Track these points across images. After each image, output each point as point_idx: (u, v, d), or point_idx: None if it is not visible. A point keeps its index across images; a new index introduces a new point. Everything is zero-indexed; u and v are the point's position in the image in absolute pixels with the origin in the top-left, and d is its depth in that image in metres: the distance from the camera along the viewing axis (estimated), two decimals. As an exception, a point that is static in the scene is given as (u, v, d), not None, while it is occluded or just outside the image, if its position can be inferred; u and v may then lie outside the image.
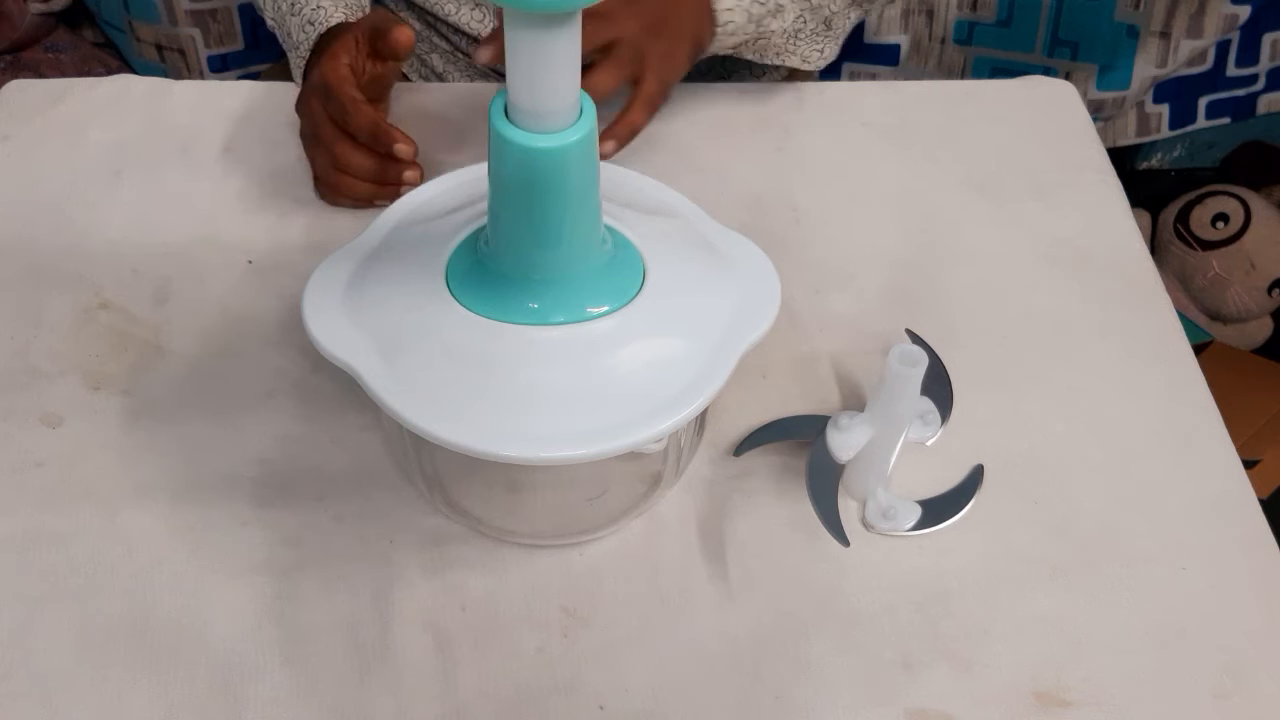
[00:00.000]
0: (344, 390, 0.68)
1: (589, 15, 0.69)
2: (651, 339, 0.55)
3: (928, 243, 0.80)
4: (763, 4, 0.82)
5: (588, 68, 0.73)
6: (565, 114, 0.49)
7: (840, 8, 0.89)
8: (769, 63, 0.89)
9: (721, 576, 0.62)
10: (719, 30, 0.81)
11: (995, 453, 0.67)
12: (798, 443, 0.67)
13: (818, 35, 0.89)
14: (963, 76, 1.48)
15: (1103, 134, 1.50)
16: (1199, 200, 1.58)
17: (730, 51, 0.84)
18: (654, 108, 0.78)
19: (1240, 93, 1.55)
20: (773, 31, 0.85)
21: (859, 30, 1.45)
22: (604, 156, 0.76)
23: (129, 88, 0.89)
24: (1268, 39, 1.50)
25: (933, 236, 0.80)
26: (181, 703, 0.56)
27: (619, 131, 0.76)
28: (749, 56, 0.87)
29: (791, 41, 0.87)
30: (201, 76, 1.46)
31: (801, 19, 0.86)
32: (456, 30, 0.97)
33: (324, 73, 0.76)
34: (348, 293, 0.57)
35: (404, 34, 0.75)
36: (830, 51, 0.91)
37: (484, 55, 0.72)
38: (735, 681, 0.58)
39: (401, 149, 0.74)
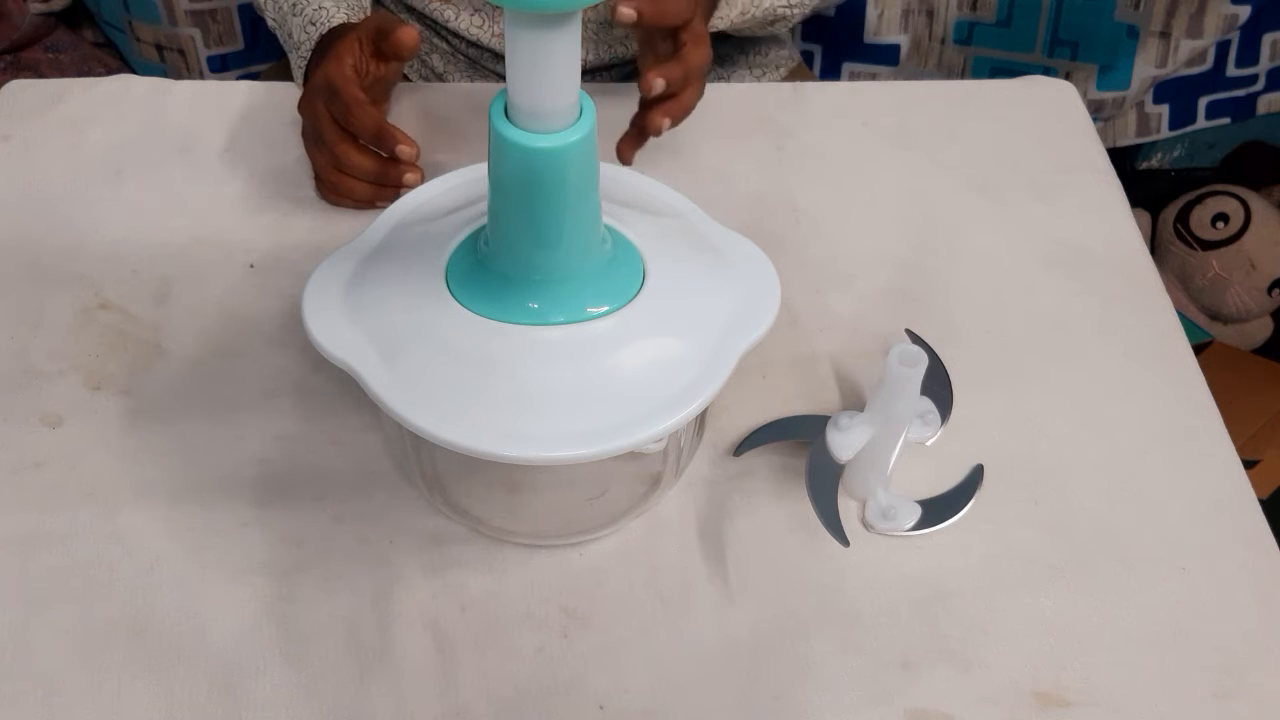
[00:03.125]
0: (344, 390, 0.68)
1: None
2: (651, 339, 0.55)
3: (928, 243, 0.80)
4: (744, 14, 0.85)
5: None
6: (565, 114, 0.49)
7: (790, 16, 0.90)
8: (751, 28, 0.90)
9: (721, 576, 0.62)
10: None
11: (995, 453, 0.67)
12: (798, 443, 0.67)
13: (760, 27, 0.91)
14: (963, 76, 1.48)
15: (1103, 134, 1.50)
16: (1199, 200, 1.58)
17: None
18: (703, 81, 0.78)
19: (1240, 93, 1.55)
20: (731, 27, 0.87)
21: (859, 30, 1.45)
22: (657, 133, 0.75)
23: (129, 88, 0.89)
24: (1268, 39, 1.50)
25: (933, 236, 0.80)
26: (181, 703, 0.56)
27: (674, 110, 0.75)
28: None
29: (734, 29, 0.89)
30: (201, 76, 1.46)
31: (755, 20, 0.88)
32: (456, 34, 0.97)
33: (328, 73, 0.76)
34: (348, 293, 0.57)
35: (409, 35, 0.75)
36: (757, 34, 0.93)
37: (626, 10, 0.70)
38: (735, 681, 0.58)
39: (404, 150, 0.74)
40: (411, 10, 0.98)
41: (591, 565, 0.62)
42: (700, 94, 0.78)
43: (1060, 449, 0.68)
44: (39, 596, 0.60)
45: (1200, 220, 1.57)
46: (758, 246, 0.61)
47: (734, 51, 1.02)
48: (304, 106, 0.79)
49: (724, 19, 0.84)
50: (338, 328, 0.55)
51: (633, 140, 0.77)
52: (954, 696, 0.57)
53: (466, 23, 0.94)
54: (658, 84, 0.73)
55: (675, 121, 0.76)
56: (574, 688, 0.58)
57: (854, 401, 0.70)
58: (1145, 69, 1.45)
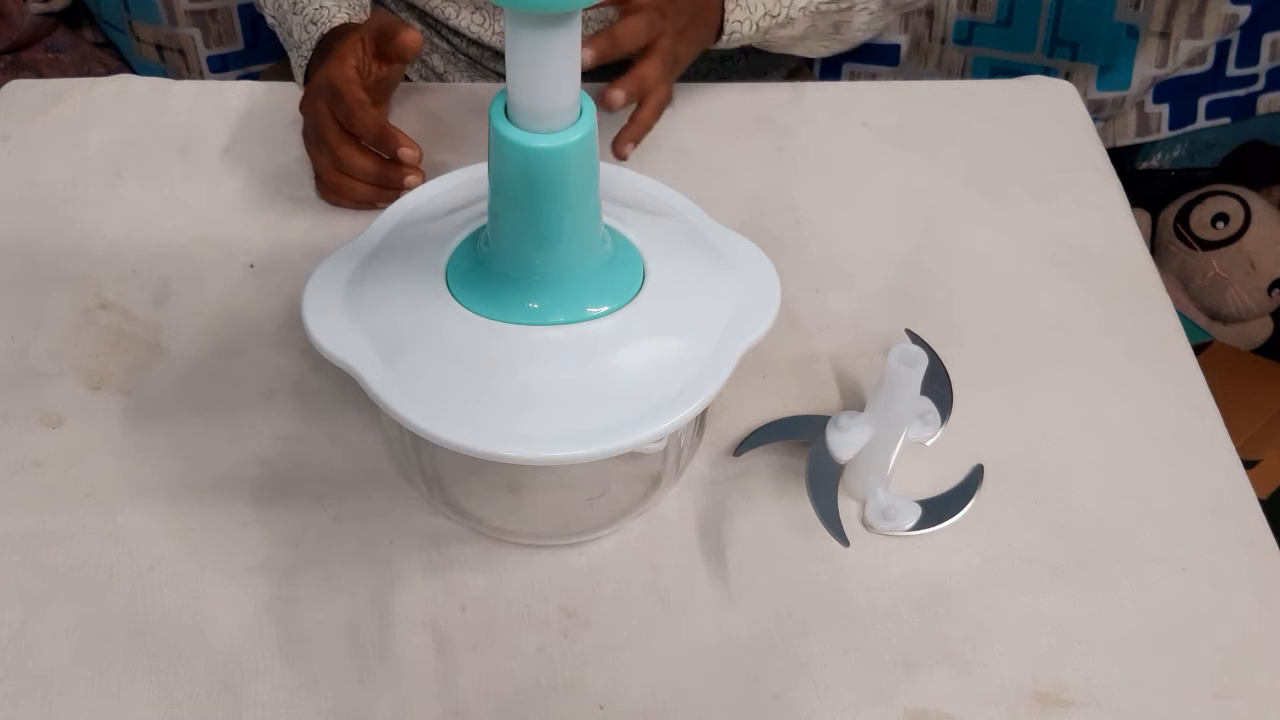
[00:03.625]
0: (344, 390, 0.68)
1: None
2: (651, 339, 0.55)
3: (928, 243, 0.80)
4: (774, 17, 0.85)
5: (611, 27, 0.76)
6: (565, 114, 0.49)
7: (854, 21, 0.91)
8: (775, 52, 0.92)
9: (721, 576, 0.62)
10: (723, 39, 0.84)
11: (995, 453, 0.67)
12: (798, 443, 0.67)
13: (825, 37, 0.91)
14: (963, 76, 1.48)
15: (1103, 134, 1.50)
16: (1199, 200, 1.58)
17: (737, 45, 0.87)
18: (672, 76, 0.79)
19: (1240, 93, 1.55)
20: (780, 37, 0.87)
21: (859, 30, 1.45)
22: (623, 158, 0.79)
23: (129, 88, 0.89)
24: (1268, 39, 1.50)
25: (933, 236, 0.80)
26: (181, 703, 0.56)
27: (630, 87, 0.77)
28: (756, 44, 0.89)
29: (798, 43, 0.90)
30: (201, 76, 1.46)
31: (812, 27, 0.88)
32: (457, 32, 0.97)
33: (330, 74, 0.76)
34: (348, 293, 0.57)
35: (412, 37, 0.75)
36: (836, 49, 0.94)
37: (616, 98, 0.76)
38: (735, 681, 0.58)
39: (407, 154, 0.74)
40: (412, 8, 0.98)
41: (591, 565, 0.62)
42: (658, 110, 0.80)
43: (1060, 449, 0.68)
44: (39, 596, 0.60)
45: (1200, 220, 1.57)
46: (758, 246, 0.61)
47: (734, 51, 1.02)
48: (305, 106, 0.79)
49: (745, 22, 0.83)
50: (338, 328, 0.55)
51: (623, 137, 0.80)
52: (954, 696, 0.57)
53: (467, 20, 0.94)
54: (615, 96, 0.76)
55: (637, 143, 0.80)
56: (574, 688, 0.58)
57: (854, 401, 0.70)
58: (1145, 69, 1.45)
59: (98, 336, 0.72)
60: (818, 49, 0.93)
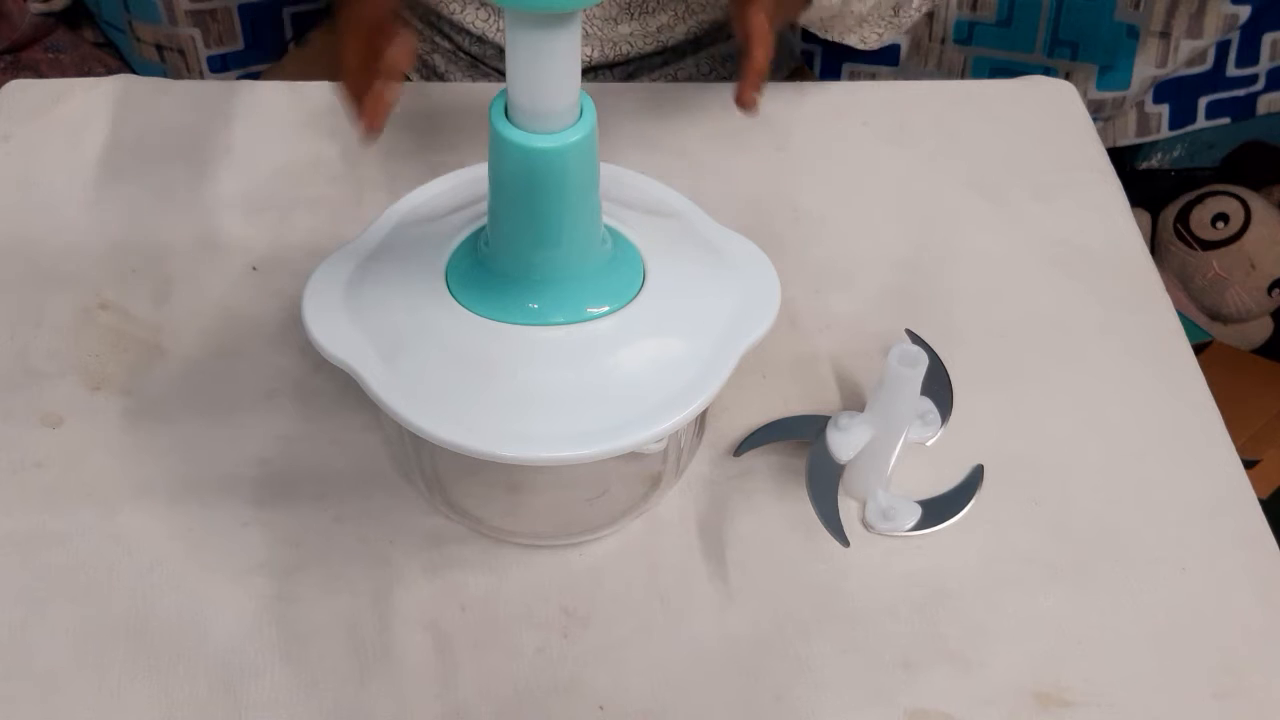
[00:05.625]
0: (344, 390, 0.68)
1: None
2: (651, 339, 0.55)
3: (928, 243, 0.80)
4: None
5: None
6: (565, 114, 0.49)
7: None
8: (829, 38, 0.87)
9: (721, 576, 0.62)
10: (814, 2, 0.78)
11: (995, 453, 0.67)
12: (798, 443, 0.67)
13: (882, 20, 0.86)
14: (963, 76, 1.48)
15: (1103, 134, 1.50)
16: (1199, 200, 1.58)
17: (804, 23, 0.82)
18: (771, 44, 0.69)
19: (1240, 93, 1.55)
20: (852, 11, 0.82)
21: (859, 30, 1.45)
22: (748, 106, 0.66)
23: (129, 88, 0.89)
24: (1268, 39, 1.50)
25: (933, 236, 0.80)
26: (181, 703, 0.56)
27: (753, 81, 0.66)
28: (814, 30, 0.85)
29: (858, 23, 0.85)
30: (201, 76, 1.46)
31: (878, 4, 0.84)
32: (460, 30, 0.97)
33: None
34: (348, 293, 0.57)
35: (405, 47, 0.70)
36: (889, 37, 0.89)
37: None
38: (735, 681, 0.58)
39: (363, 135, 0.67)
40: (415, 6, 0.97)
41: (591, 565, 0.62)
42: (768, 47, 0.67)
43: (1060, 449, 0.68)
44: (39, 596, 0.60)
45: (1200, 220, 1.57)
46: (758, 246, 0.61)
47: (734, 51, 1.02)
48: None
49: (816, 10, 0.78)
50: (338, 328, 0.55)
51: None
52: (954, 696, 0.57)
53: (473, 16, 0.94)
54: (754, 98, 0.65)
55: (759, 90, 0.67)
56: (574, 688, 0.58)
57: (854, 401, 0.70)
58: (1145, 69, 1.45)
59: (98, 336, 0.72)
60: (870, 37, 0.88)
